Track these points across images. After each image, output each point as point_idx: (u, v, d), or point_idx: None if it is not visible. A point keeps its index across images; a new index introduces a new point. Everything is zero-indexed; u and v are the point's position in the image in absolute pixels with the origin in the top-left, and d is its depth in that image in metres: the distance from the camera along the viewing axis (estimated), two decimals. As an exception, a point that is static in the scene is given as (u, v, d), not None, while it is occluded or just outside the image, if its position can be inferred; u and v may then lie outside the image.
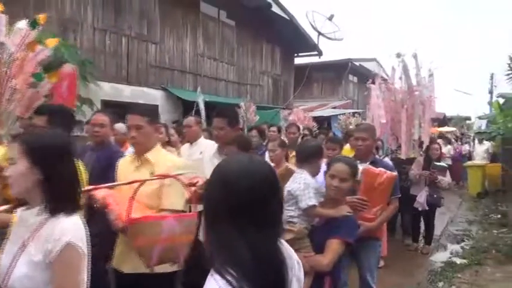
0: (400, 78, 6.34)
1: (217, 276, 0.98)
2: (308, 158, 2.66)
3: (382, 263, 4.74)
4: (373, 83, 6.54)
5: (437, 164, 5.64)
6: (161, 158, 2.44)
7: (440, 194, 5.69)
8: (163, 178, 2.19)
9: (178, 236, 1.93)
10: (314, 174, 2.64)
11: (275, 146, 3.84)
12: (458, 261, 5.44)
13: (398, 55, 6.23)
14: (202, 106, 8.86)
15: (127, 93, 9.06)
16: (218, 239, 1.03)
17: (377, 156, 3.95)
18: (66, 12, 7.91)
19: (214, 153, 3.12)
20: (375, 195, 2.88)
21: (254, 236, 1.01)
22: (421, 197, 5.57)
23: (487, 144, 12.33)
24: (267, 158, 3.87)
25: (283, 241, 1.15)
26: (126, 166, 2.52)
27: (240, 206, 1.03)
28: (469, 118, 30.87)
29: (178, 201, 2.26)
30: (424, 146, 6.08)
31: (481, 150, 12.22)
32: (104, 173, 2.68)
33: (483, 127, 13.24)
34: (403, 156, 6.02)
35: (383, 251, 4.50)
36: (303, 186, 2.49)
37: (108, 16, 8.73)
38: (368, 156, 3.25)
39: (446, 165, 5.82)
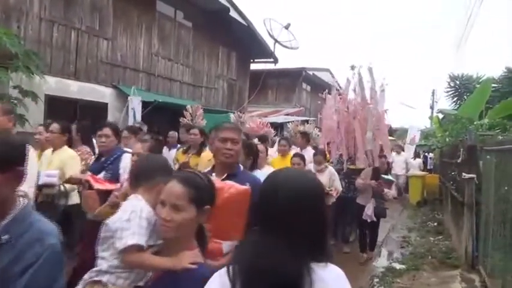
0: (354, 90, 6.45)
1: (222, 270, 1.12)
2: (147, 178, 1.92)
3: None
4: (329, 93, 6.71)
5: (385, 177, 5.92)
6: None
7: (384, 205, 5.99)
8: None
9: None
10: (154, 202, 1.74)
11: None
12: (398, 266, 5.73)
13: (353, 67, 6.33)
14: (137, 107, 8.53)
15: (74, 88, 8.63)
16: (242, 241, 1.19)
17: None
18: (10, 0, 7.40)
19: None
20: (224, 217, 1.86)
21: (276, 242, 1.09)
22: (369, 209, 5.82)
23: (404, 155, 12.65)
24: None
25: (330, 265, 1.16)
26: None
27: (267, 215, 1.15)
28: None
29: None
30: (389, 157, 6.48)
31: (399, 160, 12.25)
32: None
33: (417, 137, 13.92)
34: (361, 165, 6.22)
35: None
36: (127, 216, 1.72)
37: (57, 7, 8.27)
38: (233, 166, 2.34)
39: (393, 179, 6.25)
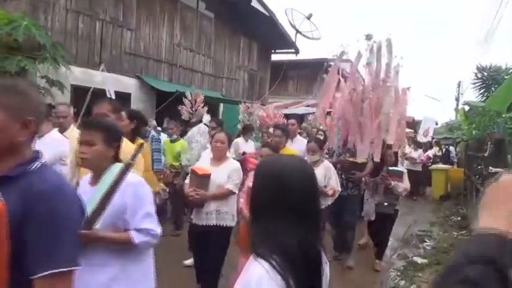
0: (366, 66, 4.97)
1: (262, 261, 1.07)
2: None
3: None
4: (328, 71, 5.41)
5: (393, 168, 5.05)
6: None
7: (393, 202, 5.03)
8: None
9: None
10: None
11: None
12: (420, 260, 5.65)
13: (369, 36, 4.88)
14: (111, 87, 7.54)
15: (98, 79, 8.79)
16: (265, 229, 1.14)
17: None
18: (38, -9, 7.57)
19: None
20: None
21: (299, 228, 1.14)
22: (369, 206, 5.05)
23: (407, 149, 12.06)
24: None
25: None
26: None
27: (292, 202, 1.15)
28: (436, 123, 31.96)
29: None
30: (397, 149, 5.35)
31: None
32: None
33: (431, 130, 13.36)
34: (362, 158, 4.98)
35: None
36: None
37: (82, -2, 8.43)
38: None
39: (402, 170, 5.16)
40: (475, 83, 16.40)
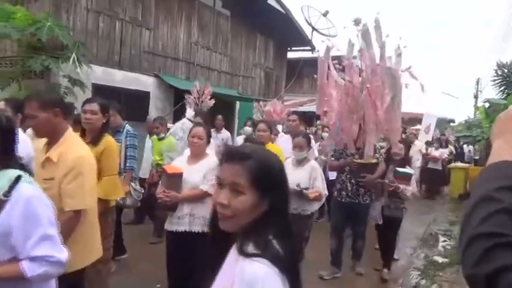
0: (359, 53, 4.44)
1: (260, 259, 1.02)
2: None
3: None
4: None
5: (401, 170, 4.49)
6: None
7: (400, 206, 4.58)
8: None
9: None
10: None
11: None
12: (440, 259, 5.61)
13: (357, 21, 4.27)
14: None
15: (119, 78, 8.94)
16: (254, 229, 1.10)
17: None
18: (60, -8, 7.73)
19: None
20: None
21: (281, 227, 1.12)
22: (375, 209, 4.55)
23: (418, 145, 11.82)
24: None
25: None
26: None
27: (279, 189, 1.14)
28: (453, 121, 31.47)
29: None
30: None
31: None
32: None
33: (432, 126, 12.97)
34: (372, 158, 4.43)
35: None
36: None
37: (102, -2, 8.57)
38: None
39: (411, 173, 4.59)
40: (494, 80, 16.09)
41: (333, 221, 4.79)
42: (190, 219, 2.97)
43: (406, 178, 4.48)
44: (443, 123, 29.80)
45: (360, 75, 4.43)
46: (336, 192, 4.62)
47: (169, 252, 3.11)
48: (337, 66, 4.62)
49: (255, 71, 13.83)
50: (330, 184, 4.76)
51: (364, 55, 4.33)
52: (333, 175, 5.44)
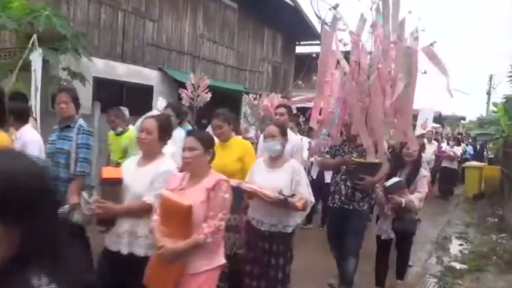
0: (371, 28, 3.63)
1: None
2: None
3: None
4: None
5: (388, 184, 3.69)
6: None
7: (414, 217, 3.93)
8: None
9: None
10: None
11: None
12: (458, 266, 5.25)
13: None
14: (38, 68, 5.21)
15: (121, 71, 8.66)
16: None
17: None
18: (60, -19, 7.45)
19: None
20: None
21: None
22: (384, 223, 3.89)
23: (435, 145, 11.48)
24: None
25: None
26: None
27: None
28: (464, 118, 30.82)
29: None
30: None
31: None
32: None
33: (429, 121, 12.48)
34: (373, 157, 3.62)
35: None
36: None
37: (104, -12, 8.28)
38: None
39: (400, 180, 3.76)
40: (510, 76, 15.57)
41: (327, 232, 4.08)
42: (130, 239, 2.33)
43: (400, 188, 3.71)
44: (454, 121, 29.22)
45: (369, 56, 3.63)
46: (329, 197, 3.93)
47: (100, 273, 2.39)
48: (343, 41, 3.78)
49: (262, 65, 13.49)
50: (325, 187, 4.35)
51: (378, 30, 3.51)
52: (329, 177, 4.67)
